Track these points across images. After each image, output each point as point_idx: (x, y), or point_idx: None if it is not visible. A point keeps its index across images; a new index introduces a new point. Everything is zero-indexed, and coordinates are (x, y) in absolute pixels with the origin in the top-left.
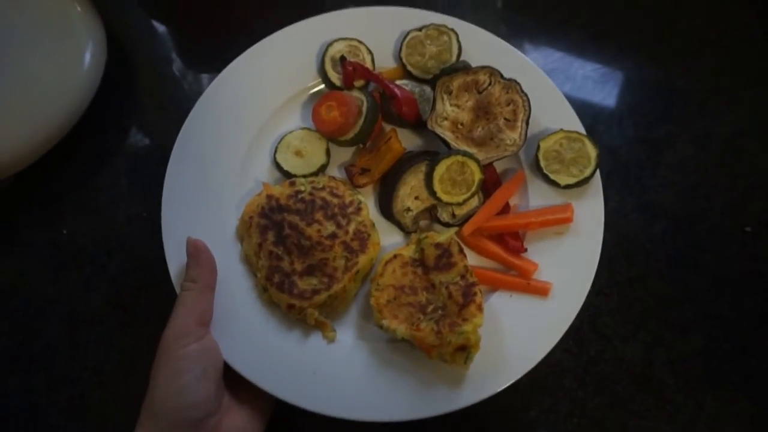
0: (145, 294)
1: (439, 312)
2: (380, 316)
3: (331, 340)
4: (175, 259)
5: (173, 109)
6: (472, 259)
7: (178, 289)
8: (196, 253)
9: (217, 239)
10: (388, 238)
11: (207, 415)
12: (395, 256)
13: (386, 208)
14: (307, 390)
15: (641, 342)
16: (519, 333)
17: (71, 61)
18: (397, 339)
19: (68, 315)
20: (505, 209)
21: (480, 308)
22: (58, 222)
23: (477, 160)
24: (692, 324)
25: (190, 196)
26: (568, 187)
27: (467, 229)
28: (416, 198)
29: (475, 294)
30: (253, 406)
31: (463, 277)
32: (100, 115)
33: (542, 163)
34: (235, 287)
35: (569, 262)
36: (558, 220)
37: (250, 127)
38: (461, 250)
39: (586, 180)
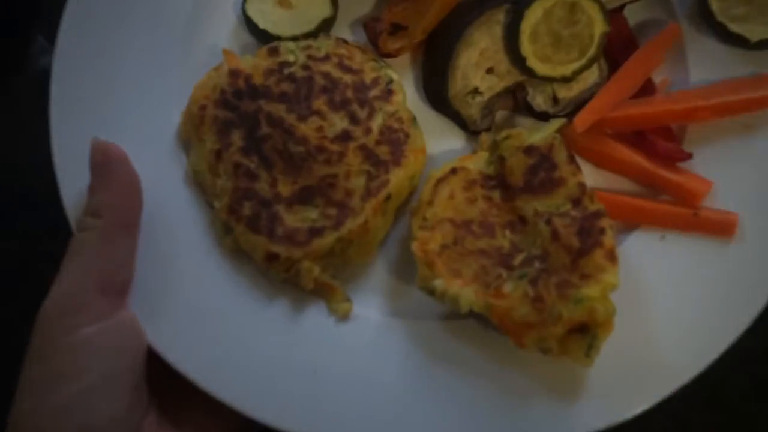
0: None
1: (536, 265)
2: (430, 273)
3: (344, 316)
4: (72, 183)
5: None
6: (589, 175)
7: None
8: (105, 164)
9: (144, 147)
10: (439, 143)
11: None
12: (454, 171)
13: (436, 91)
14: (302, 404)
15: None
16: (680, 304)
17: None
18: (461, 313)
19: None
20: (647, 88)
21: (612, 257)
22: None
23: (598, 0)
24: None
25: (97, 76)
26: (763, 45)
27: (582, 121)
28: (489, 71)
29: (601, 231)
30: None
31: (577, 202)
32: None
33: (715, 5)
34: (175, 227)
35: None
36: (746, 104)
37: None
38: (572, 158)
39: None
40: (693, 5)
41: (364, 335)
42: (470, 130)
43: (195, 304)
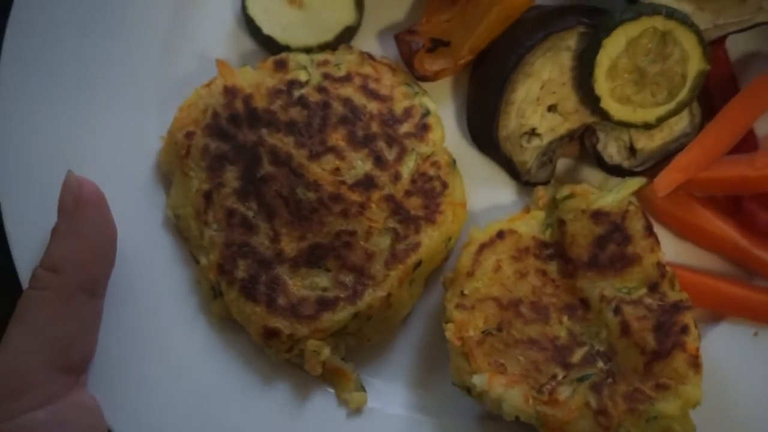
0: None
1: (600, 365)
2: (467, 366)
3: (357, 409)
4: (23, 219)
5: None
6: (670, 246)
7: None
8: (76, 207)
9: (112, 182)
10: (484, 195)
11: None
12: (501, 236)
13: (483, 129)
14: None
15: None
16: None
17: None
18: (504, 417)
19: None
20: (749, 142)
21: (696, 364)
22: None
23: (696, 30)
24: None
25: (50, 89)
26: None
27: (665, 183)
28: (551, 109)
29: (684, 330)
30: None
31: (654, 287)
32: None
33: None
34: (150, 286)
35: None
36: None
37: None
38: (650, 229)
39: None
40: None
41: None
42: (523, 181)
43: (171, 386)
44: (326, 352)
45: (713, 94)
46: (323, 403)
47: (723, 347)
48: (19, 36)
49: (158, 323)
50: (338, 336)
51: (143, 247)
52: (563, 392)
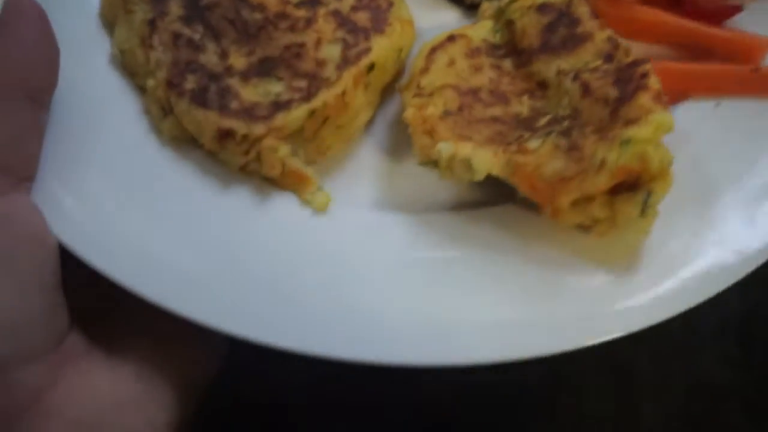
0: None
1: (565, 124)
2: (431, 142)
3: (321, 207)
4: None
5: None
6: None
7: None
8: (12, 15)
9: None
10: (428, 17)
11: (21, 357)
12: (452, 39)
13: None
14: (273, 310)
15: None
16: (745, 177)
17: None
18: (474, 178)
19: None
20: None
21: (660, 98)
22: None
23: None
24: None
25: None
26: None
27: None
28: None
29: (644, 75)
30: (147, 347)
31: (609, 58)
32: None
33: None
34: (98, 115)
35: None
36: None
37: None
38: (595, 14)
39: None
40: None
41: (350, 230)
42: (467, 4)
43: (124, 201)
44: (284, 149)
45: None
46: (285, 204)
47: (689, 121)
48: None
49: (107, 145)
50: (296, 141)
51: (90, 82)
52: (532, 144)
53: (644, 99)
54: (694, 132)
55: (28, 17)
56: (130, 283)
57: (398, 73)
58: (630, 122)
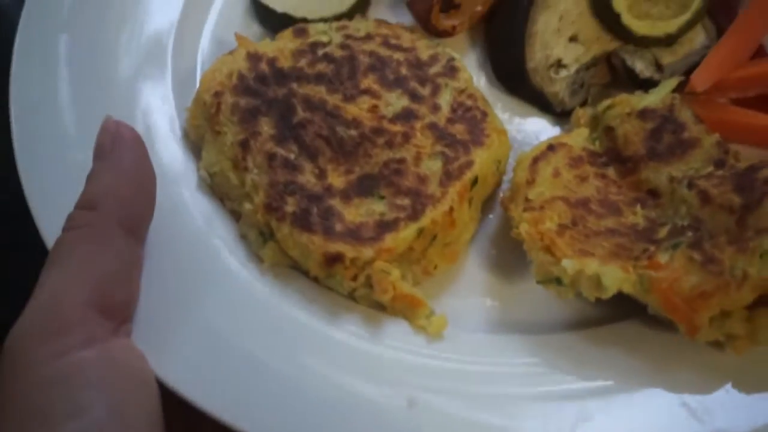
0: None
1: (689, 234)
2: (551, 258)
3: (436, 333)
4: (42, 196)
5: None
6: None
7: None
8: (113, 146)
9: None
10: (520, 127)
11: None
12: (552, 149)
13: (509, 67)
14: None
15: None
16: None
17: None
18: (603, 296)
19: None
20: (760, 51)
21: None
22: None
23: None
24: None
25: (70, 71)
26: None
27: (700, 79)
28: (572, 39)
29: (767, 181)
30: None
31: (720, 163)
32: None
33: None
34: (193, 245)
35: None
36: None
37: None
38: (698, 118)
39: None
40: None
41: (468, 353)
42: (556, 112)
43: (227, 336)
44: (396, 273)
45: (723, 9)
46: (399, 332)
47: None
48: (35, 17)
49: (205, 277)
50: (404, 264)
51: (182, 209)
52: (662, 257)
53: None
54: None
55: (127, 144)
56: (238, 423)
57: (497, 185)
58: (763, 231)
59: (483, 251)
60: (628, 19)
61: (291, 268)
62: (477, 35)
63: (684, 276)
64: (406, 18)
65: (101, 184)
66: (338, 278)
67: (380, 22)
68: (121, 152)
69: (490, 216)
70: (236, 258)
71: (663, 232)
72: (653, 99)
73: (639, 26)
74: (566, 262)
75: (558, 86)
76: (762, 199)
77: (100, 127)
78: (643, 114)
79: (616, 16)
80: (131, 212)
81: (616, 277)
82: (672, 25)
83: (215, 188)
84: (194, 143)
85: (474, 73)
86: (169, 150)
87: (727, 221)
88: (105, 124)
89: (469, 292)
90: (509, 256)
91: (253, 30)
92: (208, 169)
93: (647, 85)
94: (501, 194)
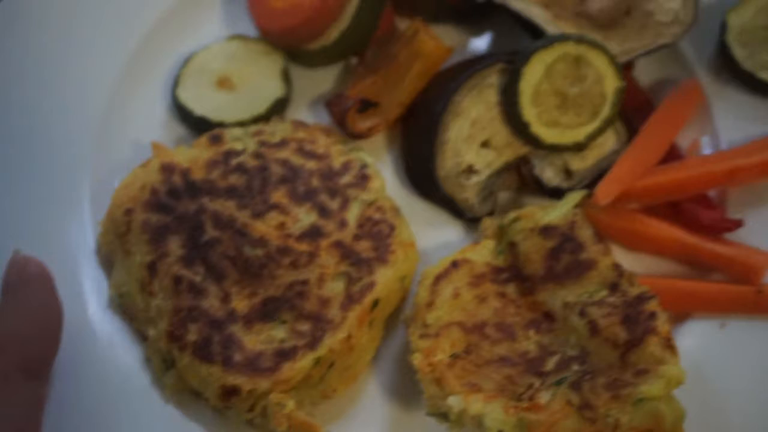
0: None
1: (575, 368)
2: (440, 392)
3: None
4: None
5: None
6: (619, 260)
7: None
8: (21, 283)
9: (52, 271)
10: (430, 237)
11: None
12: (456, 265)
13: (422, 173)
14: None
15: None
16: (754, 405)
17: None
18: None
19: None
20: (673, 154)
21: (670, 345)
22: None
23: (606, 51)
24: None
25: None
26: None
27: (604, 192)
28: (485, 145)
29: (651, 316)
30: None
31: (614, 288)
32: None
33: (738, 54)
34: (96, 369)
35: None
36: None
37: (121, 38)
38: (598, 236)
39: None
40: (712, 56)
41: None
42: (467, 218)
43: None
44: (291, 404)
45: (632, 115)
46: None
47: (693, 342)
48: None
49: (109, 405)
50: (302, 389)
51: (87, 332)
52: (543, 397)
53: (653, 346)
54: (699, 357)
55: (34, 283)
56: None
57: (402, 301)
58: (641, 373)
59: (386, 370)
60: (537, 128)
61: (193, 395)
62: (394, 136)
63: (561, 420)
64: (325, 117)
65: (5, 326)
66: (235, 409)
67: (297, 125)
68: (27, 291)
69: (396, 330)
70: (139, 383)
71: (551, 364)
72: (556, 214)
73: (548, 135)
74: (452, 399)
75: (469, 192)
76: (644, 337)
77: (8, 261)
78: (545, 231)
79: (526, 125)
80: (35, 355)
81: (497, 419)
82: (580, 134)
83: (123, 307)
84: (104, 259)
85: (389, 176)
86: (81, 267)
87: (610, 356)
88: (13, 259)
89: (368, 417)
90: (411, 379)
91: (176, 130)
92: (117, 289)
93: (555, 193)
94: (405, 311)
